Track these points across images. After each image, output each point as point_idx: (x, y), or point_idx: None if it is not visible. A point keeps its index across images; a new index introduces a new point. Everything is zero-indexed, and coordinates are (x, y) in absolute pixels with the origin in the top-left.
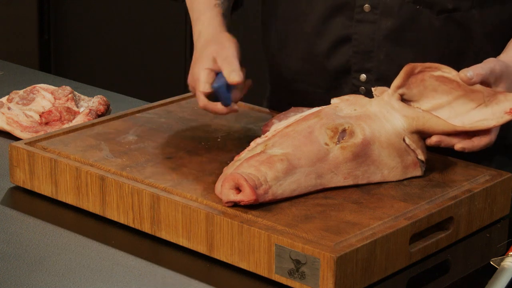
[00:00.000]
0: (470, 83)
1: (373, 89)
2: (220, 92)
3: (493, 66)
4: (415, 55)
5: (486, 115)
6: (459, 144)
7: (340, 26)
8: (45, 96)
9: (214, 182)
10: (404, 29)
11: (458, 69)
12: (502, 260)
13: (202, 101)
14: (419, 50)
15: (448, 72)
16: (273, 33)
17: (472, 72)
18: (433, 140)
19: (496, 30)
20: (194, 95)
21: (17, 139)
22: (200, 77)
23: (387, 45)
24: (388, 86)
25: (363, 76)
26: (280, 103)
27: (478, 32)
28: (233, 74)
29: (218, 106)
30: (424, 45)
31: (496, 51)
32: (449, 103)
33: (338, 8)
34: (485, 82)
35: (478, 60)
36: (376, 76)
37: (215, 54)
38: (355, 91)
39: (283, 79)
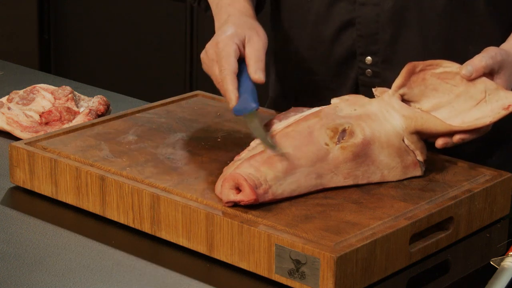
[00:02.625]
0: (471, 79)
1: (373, 89)
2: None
3: (494, 54)
4: (419, 36)
5: (485, 113)
6: (458, 136)
7: (343, 11)
8: (45, 96)
9: (214, 182)
10: (407, 10)
11: (464, 52)
12: (502, 260)
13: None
14: (423, 32)
15: (450, 66)
16: (279, 23)
17: (472, 67)
18: (439, 143)
19: (504, 11)
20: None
21: (17, 139)
22: (226, 83)
23: (391, 26)
24: (394, 68)
25: (368, 59)
26: (285, 93)
27: (484, 13)
28: (259, 73)
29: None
30: (428, 26)
31: (503, 33)
32: (450, 102)
33: None
34: (488, 73)
35: (484, 43)
36: (382, 58)
37: (246, 38)
38: (361, 74)
39: (288, 68)
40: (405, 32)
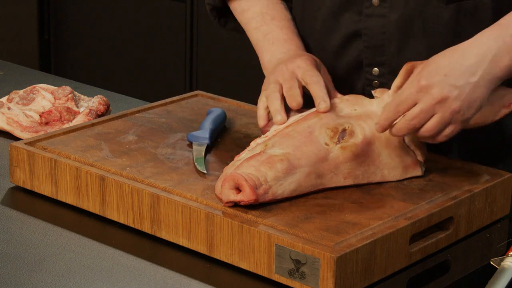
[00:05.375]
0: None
1: (373, 91)
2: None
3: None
4: (426, 47)
5: (485, 111)
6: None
7: (349, 22)
8: (45, 96)
9: (214, 182)
10: (413, 21)
11: None
12: (502, 260)
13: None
14: (429, 42)
15: None
16: None
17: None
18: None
19: None
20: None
21: (17, 139)
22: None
23: (398, 37)
24: None
25: (375, 70)
26: None
27: (491, 23)
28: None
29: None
30: (435, 37)
31: None
32: None
33: (346, 3)
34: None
35: None
36: (388, 69)
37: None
38: (368, 85)
39: None
40: (411, 43)
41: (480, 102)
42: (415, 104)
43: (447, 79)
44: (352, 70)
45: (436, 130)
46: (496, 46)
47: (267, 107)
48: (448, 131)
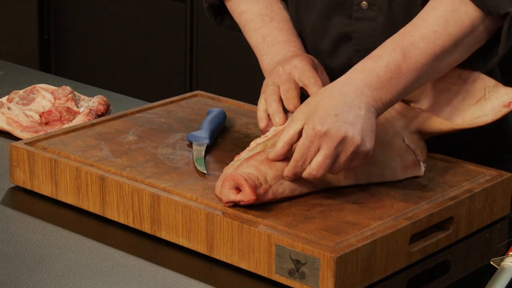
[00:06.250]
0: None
1: None
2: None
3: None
4: None
5: (485, 110)
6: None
7: (339, 25)
8: (45, 96)
9: (214, 182)
10: (399, 24)
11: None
12: (502, 260)
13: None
14: None
15: None
16: None
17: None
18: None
19: None
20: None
21: (17, 139)
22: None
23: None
24: None
25: None
26: None
27: None
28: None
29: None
30: None
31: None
32: (450, 100)
33: (336, 6)
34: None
35: (480, 52)
36: None
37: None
38: None
39: None
40: None
41: (374, 132)
42: (317, 152)
43: (339, 118)
44: (343, 73)
45: (345, 167)
46: (371, 81)
47: (267, 109)
48: (353, 165)
